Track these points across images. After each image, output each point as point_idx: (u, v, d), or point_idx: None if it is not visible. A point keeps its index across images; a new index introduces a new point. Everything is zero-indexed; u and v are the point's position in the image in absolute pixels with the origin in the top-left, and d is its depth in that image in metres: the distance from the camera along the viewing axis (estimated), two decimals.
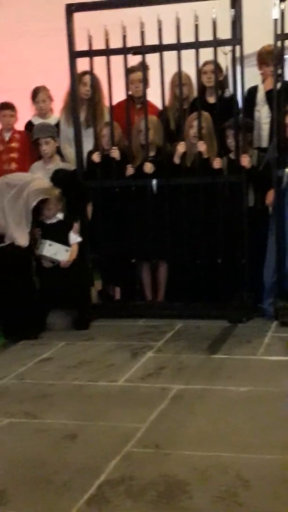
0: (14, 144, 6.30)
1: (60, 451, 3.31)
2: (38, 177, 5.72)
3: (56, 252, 5.53)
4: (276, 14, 5.17)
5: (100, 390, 4.13)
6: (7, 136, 6.31)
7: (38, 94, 6.31)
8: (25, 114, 6.47)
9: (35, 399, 4.01)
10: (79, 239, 5.69)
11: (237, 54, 5.39)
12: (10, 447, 3.38)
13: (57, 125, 6.21)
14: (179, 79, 5.59)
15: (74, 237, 5.67)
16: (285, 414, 3.64)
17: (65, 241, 5.59)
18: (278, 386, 4.04)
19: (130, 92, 5.83)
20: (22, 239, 5.39)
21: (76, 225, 5.73)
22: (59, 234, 5.59)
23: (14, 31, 8.79)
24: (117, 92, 5.69)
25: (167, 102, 5.79)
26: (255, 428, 3.46)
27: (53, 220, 5.64)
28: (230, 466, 3.05)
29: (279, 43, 5.26)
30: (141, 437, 3.41)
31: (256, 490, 2.85)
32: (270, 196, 5.49)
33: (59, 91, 6.22)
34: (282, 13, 5.16)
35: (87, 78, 5.92)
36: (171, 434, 3.43)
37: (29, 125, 6.36)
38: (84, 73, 5.88)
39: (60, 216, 5.66)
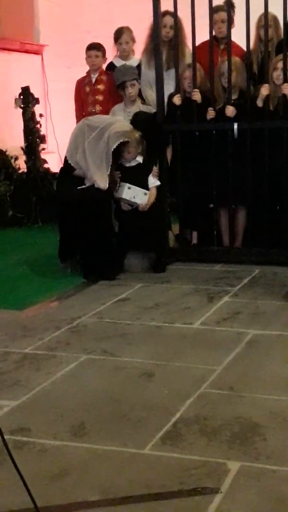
0: (100, 86, 6.26)
1: (137, 388, 3.39)
2: (119, 120, 5.72)
3: (135, 195, 5.54)
4: None
5: (176, 332, 4.18)
6: (93, 78, 6.28)
7: (121, 35, 6.23)
8: (107, 55, 6.43)
9: (113, 338, 4.09)
10: (157, 182, 5.68)
11: None
12: (88, 383, 3.48)
13: (138, 67, 6.15)
14: (265, 20, 5.43)
15: (153, 181, 5.66)
16: None
17: (144, 185, 5.59)
18: None
19: (213, 33, 5.71)
20: (102, 182, 5.42)
21: (155, 169, 5.73)
22: (138, 178, 5.59)
23: None
24: (200, 33, 5.57)
25: (251, 44, 5.64)
26: None
27: (133, 163, 5.64)
28: None
29: None
30: (216, 379, 3.45)
31: None
32: None
33: (142, 32, 6.12)
34: None
35: (166, 19, 5.82)
36: (246, 377, 3.46)
37: (111, 66, 6.32)
38: (164, 14, 5.78)
39: (139, 159, 5.65)
